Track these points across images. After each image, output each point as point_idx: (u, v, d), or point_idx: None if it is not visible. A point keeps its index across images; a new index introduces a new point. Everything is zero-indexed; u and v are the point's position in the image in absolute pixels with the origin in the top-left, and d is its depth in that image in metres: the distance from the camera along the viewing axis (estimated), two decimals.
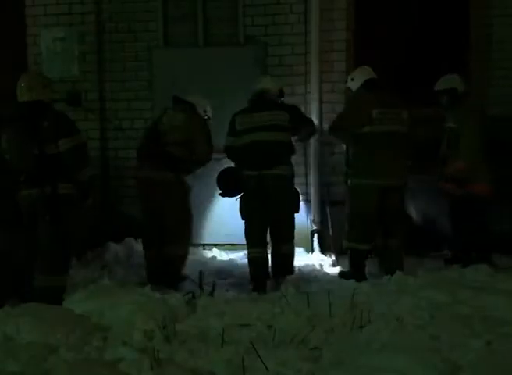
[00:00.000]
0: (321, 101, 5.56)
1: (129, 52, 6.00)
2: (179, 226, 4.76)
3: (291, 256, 4.75)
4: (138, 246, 5.55)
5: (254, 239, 4.67)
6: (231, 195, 4.75)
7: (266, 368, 2.74)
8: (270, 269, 4.74)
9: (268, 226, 4.71)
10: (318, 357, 2.90)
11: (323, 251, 5.52)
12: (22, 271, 4.01)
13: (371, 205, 4.64)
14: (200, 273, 4.52)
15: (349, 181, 4.80)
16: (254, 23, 5.82)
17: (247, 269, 4.78)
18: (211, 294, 4.12)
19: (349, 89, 5.04)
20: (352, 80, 4.92)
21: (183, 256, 4.85)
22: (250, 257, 4.72)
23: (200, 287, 4.20)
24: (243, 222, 4.73)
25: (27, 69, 5.79)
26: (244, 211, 4.67)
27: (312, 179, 5.74)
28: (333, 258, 5.26)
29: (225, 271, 5.23)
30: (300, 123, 4.78)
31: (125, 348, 3.06)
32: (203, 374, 2.77)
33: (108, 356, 2.99)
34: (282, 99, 4.96)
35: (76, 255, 4.79)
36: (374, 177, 4.59)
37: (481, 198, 4.82)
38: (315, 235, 5.58)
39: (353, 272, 4.66)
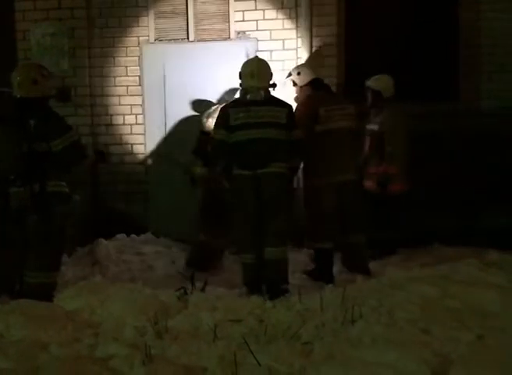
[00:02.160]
0: None
1: (119, 47, 5.96)
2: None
3: (281, 262, 4.30)
4: (129, 242, 5.54)
5: (246, 244, 4.34)
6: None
7: (258, 363, 2.74)
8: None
9: (260, 228, 4.29)
10: (309, 352, 2.90)
11: None
12: (12, 268, 3.99)
13: (332, 203, 4.64)
14: None
15: (305, 182, 4.80)
16: (245, 18, 5.80)
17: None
18: (203, 289, 4.12)
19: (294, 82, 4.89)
20: (298, 74, 4.87)
21: None
22: (242, 262, 4.39)
23: (192, 282, 4.18)
24: (234, 225, 4.42)
25: (16, 65, 5.72)
26: (238, 213, 4.34)
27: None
28: None
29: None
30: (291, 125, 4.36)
31: (116, 344, 3.06)
32: (195, 370, 2.77)
33: (99, 353, 2.99)
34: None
35: (66, 252, 4.77)
36: (331, 175, 4.60)
37: (397, 197, 4.89)
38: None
39: (321, 272, 4.62)
